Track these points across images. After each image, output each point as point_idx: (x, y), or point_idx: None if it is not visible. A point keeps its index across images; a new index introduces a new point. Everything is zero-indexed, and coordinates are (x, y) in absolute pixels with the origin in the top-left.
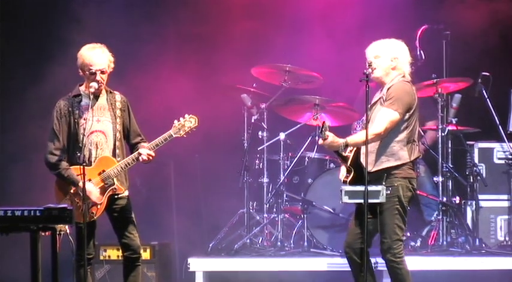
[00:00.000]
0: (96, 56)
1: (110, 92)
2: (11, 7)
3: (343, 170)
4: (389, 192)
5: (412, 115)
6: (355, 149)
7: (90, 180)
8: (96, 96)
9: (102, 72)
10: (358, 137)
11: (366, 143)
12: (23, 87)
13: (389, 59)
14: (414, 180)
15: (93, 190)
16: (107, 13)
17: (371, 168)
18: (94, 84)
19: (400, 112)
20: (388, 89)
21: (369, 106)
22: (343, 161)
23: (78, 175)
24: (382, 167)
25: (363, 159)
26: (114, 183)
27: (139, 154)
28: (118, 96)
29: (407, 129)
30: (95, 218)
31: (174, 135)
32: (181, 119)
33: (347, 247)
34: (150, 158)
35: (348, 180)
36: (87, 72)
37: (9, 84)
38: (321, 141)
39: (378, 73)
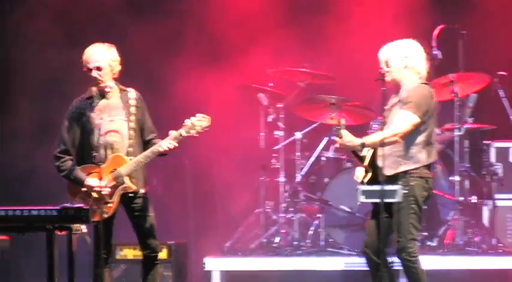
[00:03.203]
0: (94, 53)
1: (124, 90)
2: None
3: (358, 170)
4: (405, 191)
5: (430, 118)
6: (372, 149)
7: (101, 178)
8: (105, 95)
9: (98, 69)
10: (375, 137)
11: (383, 144)
12: None
13: (400, 58)
14: (430, 180)
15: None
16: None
17: (389, 171)
18: (94, 89)
19: (419, 115)
20: (406, 91)
21: (387, 107)
22: (360, 160)
23: (87, 174)
24: (400, 170)
25: (380, 162)
26: (124, 182)
27: (160, 146)
28: (132, 93)
29: (425, 132)
30: (106, 216)
31: (184, 134)
32: (192, 118)
33: (365, 247)
34: (171, 147)
35: (366, 181)
36: (85, 70)
37: None
38: (338, 140)
39: (392, 75)
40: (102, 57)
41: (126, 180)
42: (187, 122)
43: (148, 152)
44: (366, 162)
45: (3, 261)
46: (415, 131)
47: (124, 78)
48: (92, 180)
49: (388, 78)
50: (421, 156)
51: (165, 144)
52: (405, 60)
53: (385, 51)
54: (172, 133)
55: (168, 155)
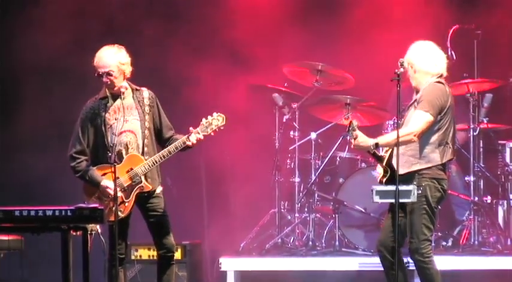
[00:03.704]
0: (103, 59)
1: (137, 90)
2: None
3: (379, 169)
4: (418, 192)
5: (444, 117)
6: (390, 149)
7: (118, 178)
8: (120, 96)
9: (109, 74)
10: (389, 137)
11: (398, 144)
12: None
13: (409, 66)
14: (444, 181)
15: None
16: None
17: (401, 170)
18: (107, 89)
19: (431, 113)
20: (421, 91)
21: (404, 108)
22: (378, 161)
23: (102, 175)
24: (412, 169)
25: (394, 161)
26: (141, 181)
27: (188, 139)
28: (146, 92)
29: (439, 131)
30: (123, 215)
31: (201, 133)
32: (209, 117)
33: (380, 245)
34: (199, 139)
35: (384, 180)
36: (96, 75)
37: None
38: (351, 141)
39: (414, 78)
40: (112, 61)
41: (143, 179)
42: (204, 121)
43: (168, 149)
44: (384, 162)
45: (18, 261)
46: (430, 129)
47: (139, 79)
48: (108, 182)
49: (411, 81)
50: (433, 156)
51: (193, 137)
52: (413, 67)
53: (408, 53)
54: (200, 126)
55: (191, 148)
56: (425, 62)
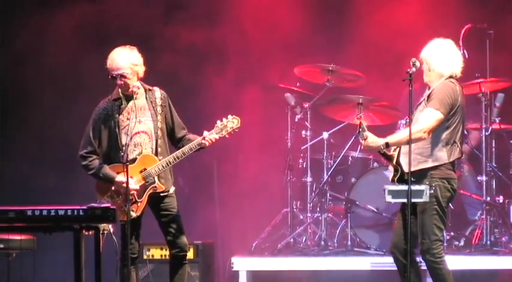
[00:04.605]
0: (116, 61)
1: (149, 90)
2: None
3: (391, 168)
4: (431, 192)
5: (453, 115)
6: (398, 148)
7: (131, 177)
8: (133, 96)
9: (122, 76)
10: (399, 136)
11: (410, 142)
12: None
13: (425, 62)
14: (454, 181)
15: (131, 186)
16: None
17: (407, 168)
18: (120, 90)
19: (442, 111)
20: (431, 90)
21: (415, 107)
22: (388, 160)
23: (118, 173)
24: (419, 167)
25: (402, 160)
26: (154, 182)
27: (203, 138)
28: (158, 92)
29: (447, 130)
30: (135, 215)
31: (216, 136)
32: (224, 119)
33: (393, 247)
34: (214, 140)
35: (396, 179)
36: (110, 77)
37: None
38: (362, 142)
39: (424, 78)
40: (124, 63)
41: (156, 180)
42: (219, 123)
43: (183, 150)
44: (394, 161)
45: (30, 260)
46: (438, 128)
47: (152, 80)
48: (122, 177)
49: (424, 77)
50: (441, 154)
51: (210, 137)
52: (427, 64)
53: (426, 50)
54: (215, 128)
55: (204, 149)
56: (441, 63)
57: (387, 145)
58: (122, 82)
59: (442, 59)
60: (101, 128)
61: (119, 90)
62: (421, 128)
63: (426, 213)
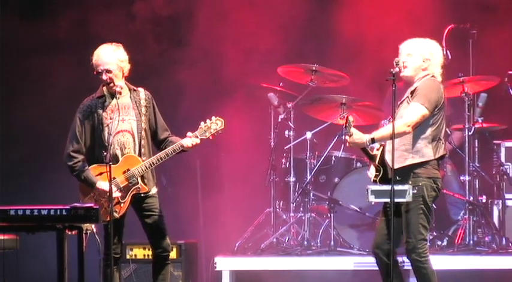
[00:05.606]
0: (102, 56)
1: (134, 90)
2: None
3: (372, 169)
4: (414, 191)
5: (438, 112)
6: (382, 147)
7: (114, 178)
8: (116, 95)
9: (108, 72)
10: (383, 131)
11: (393, 137)
12: None
13: (422, 59)
14: (439, 180)
15: (113, 188)
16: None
17: (395, 165)
18: (105, 88)
19: (427, 107)
20: (415, 86)
21: (398, 103)
22: (371, 159)
23: (97, 175)
24: (406, 163)
25: (387, 157)
26: (138, 182)
27: (182, 145)
28: (142, 93)
29: (432, 127)
30: (118, 216)
31: (199, 137)
32: (207, 120)
33: (376, 248)
34: (194, 144)
35: (378, 179)
36: (95, 73)
37: None
38: (347, 138)
39: (408, 72)
40: (110, 59)
41: (139, 180)
42: (202, 124)
43: (166, 152)
44: (377, 161)
45: (12, 260)
46: (424, 124)
47: (136, 81)
48: (103, 184)
49: (404, 73)
50: (427, 150)
51: (189, 141)
52: (426, 62)
53: (409, 46)
54: (198, 130)
55: (187, 152)
56: (438, 62)
57: (373, 141)
58: (107, 77)
59: (440, 59)
60: (85, 125)
61: (103, 88)
62: (405, 122)
63: (412, 212)
